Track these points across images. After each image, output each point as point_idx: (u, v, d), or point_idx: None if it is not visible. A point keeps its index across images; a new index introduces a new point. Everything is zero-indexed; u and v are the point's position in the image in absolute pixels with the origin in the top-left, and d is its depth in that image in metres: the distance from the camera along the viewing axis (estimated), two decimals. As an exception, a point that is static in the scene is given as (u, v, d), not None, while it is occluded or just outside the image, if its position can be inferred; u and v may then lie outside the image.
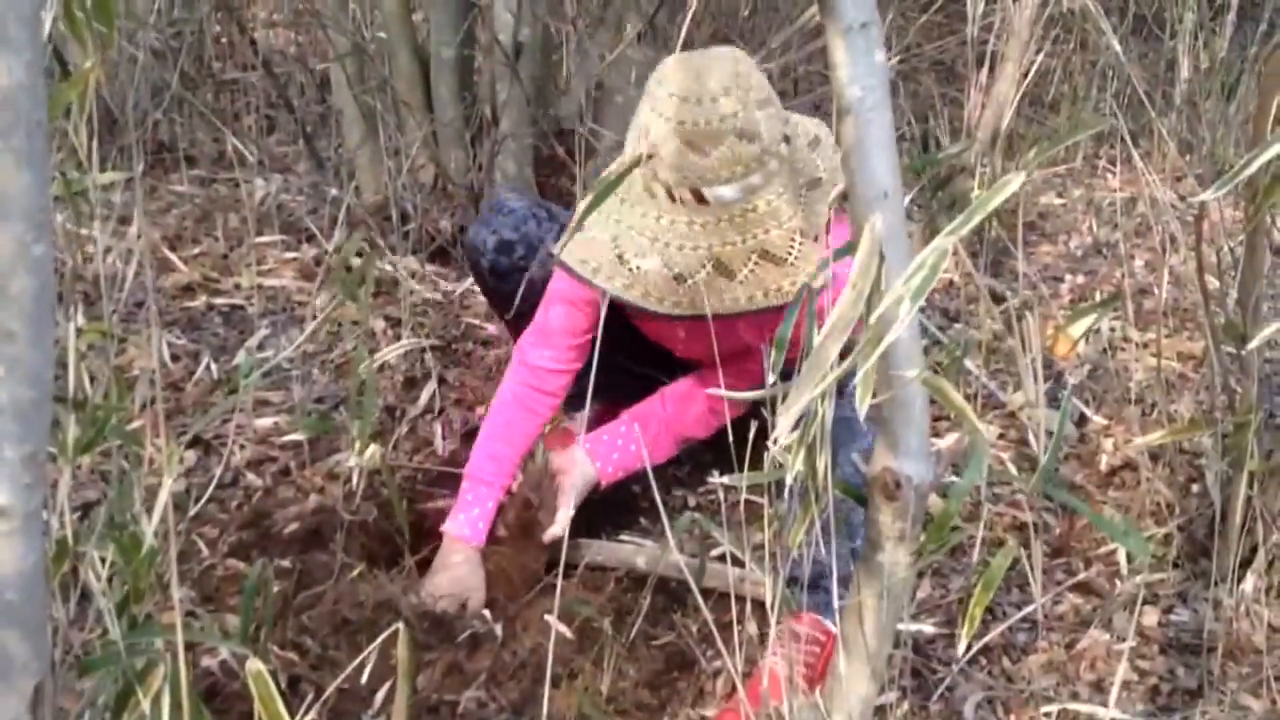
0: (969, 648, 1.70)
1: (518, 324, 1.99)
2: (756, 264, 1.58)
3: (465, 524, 1.86)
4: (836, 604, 1.66)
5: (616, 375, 2.15)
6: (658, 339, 1.97)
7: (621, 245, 1.60)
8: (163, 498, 1.09)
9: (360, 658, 1.35)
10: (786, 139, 1.61)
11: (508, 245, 2.00)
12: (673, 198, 1.57)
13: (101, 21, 1.24)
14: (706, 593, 1.58)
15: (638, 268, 1.59)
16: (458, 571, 1.82)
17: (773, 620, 1.60)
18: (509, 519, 1.86)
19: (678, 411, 1.90)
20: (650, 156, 1.58)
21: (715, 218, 1.57)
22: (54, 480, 1.18)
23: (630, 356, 2.05)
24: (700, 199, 1.56)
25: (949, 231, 1.07)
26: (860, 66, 1.19)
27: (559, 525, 1.82)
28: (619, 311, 1.89)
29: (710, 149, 1.53)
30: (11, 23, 0.86)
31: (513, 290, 1.98)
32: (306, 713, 1.47)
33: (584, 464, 1.85)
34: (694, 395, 1.90)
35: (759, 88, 1.57)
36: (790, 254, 1.59)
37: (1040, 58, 3.12)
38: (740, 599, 1.61)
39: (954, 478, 2.18)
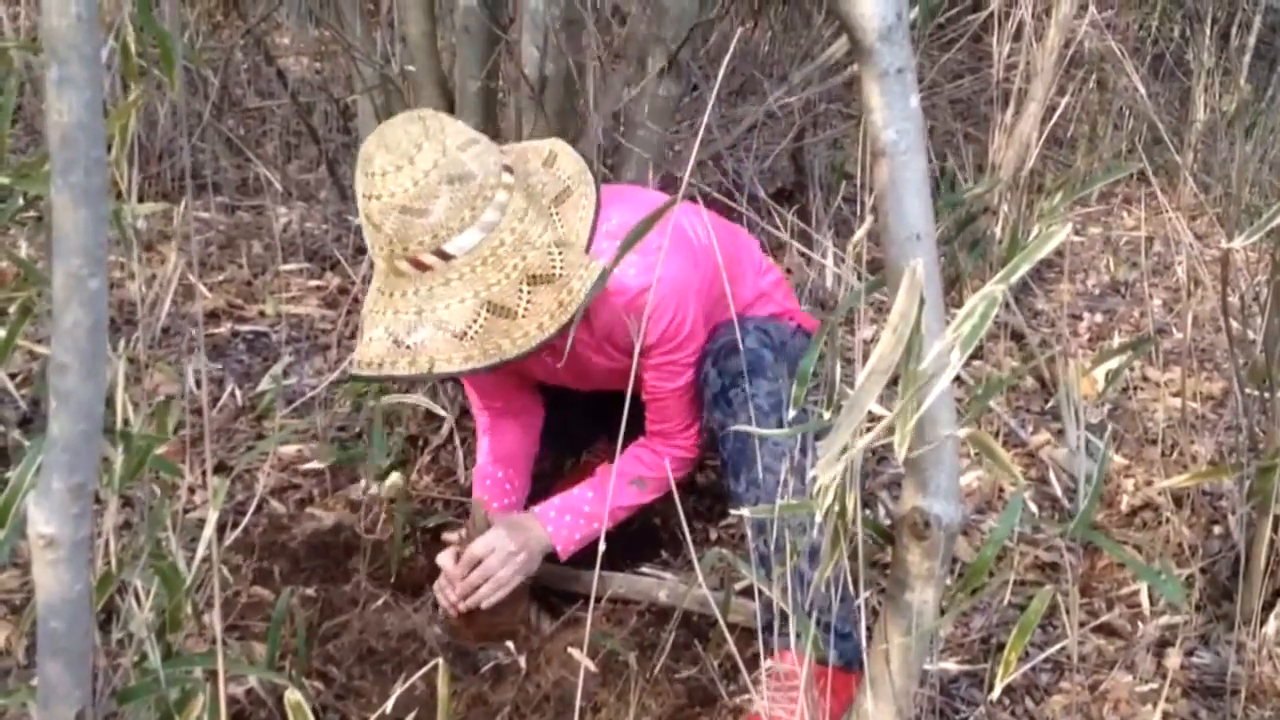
0: (1003, 689, 1.71)
1: None
2: (529, 290, 1.56)
3: (475, 492, 1.94)
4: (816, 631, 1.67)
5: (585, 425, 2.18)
6: (567, 387, 2.01)
7: (394, 331, 1.57)
8: (208, 531, 1.10)
9: (395, 691, 1.35)
10: (508, 169, 1.59)
11: None
12: (420, 265, 1.55)
13: (162, 64, 1.26)
14: (731, 626, 1.59)
15: (415, 342, 1.56)
16: (476, 550, 1.80)
17: (762, 667, 1.61)
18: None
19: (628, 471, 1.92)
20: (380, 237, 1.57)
21: (469, 265, 1.55)
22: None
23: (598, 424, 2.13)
24: (445, 256, 1.55)
25: (999, 279, 1.08)
26: (896, 110, 1.20)
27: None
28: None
29: (429, 206, 1.52)
30: (75, 62, 0.88)
31: None
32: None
33: (538, 543, 1.82)
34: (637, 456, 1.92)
35: (456, 133, 1.55)
36: (555, 269, 1.57)
37: (1060, 98, 3.14)
38: (765, 630, 1.62)
39: (975, 515, 2.19)
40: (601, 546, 1.44)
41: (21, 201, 1.45)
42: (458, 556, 1.79)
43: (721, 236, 1.85)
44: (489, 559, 1.76)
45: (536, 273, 1.57)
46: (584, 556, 1.90)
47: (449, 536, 1.85)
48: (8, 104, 1.37)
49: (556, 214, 1.63)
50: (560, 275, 1.57)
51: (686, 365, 1.81)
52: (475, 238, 1.54)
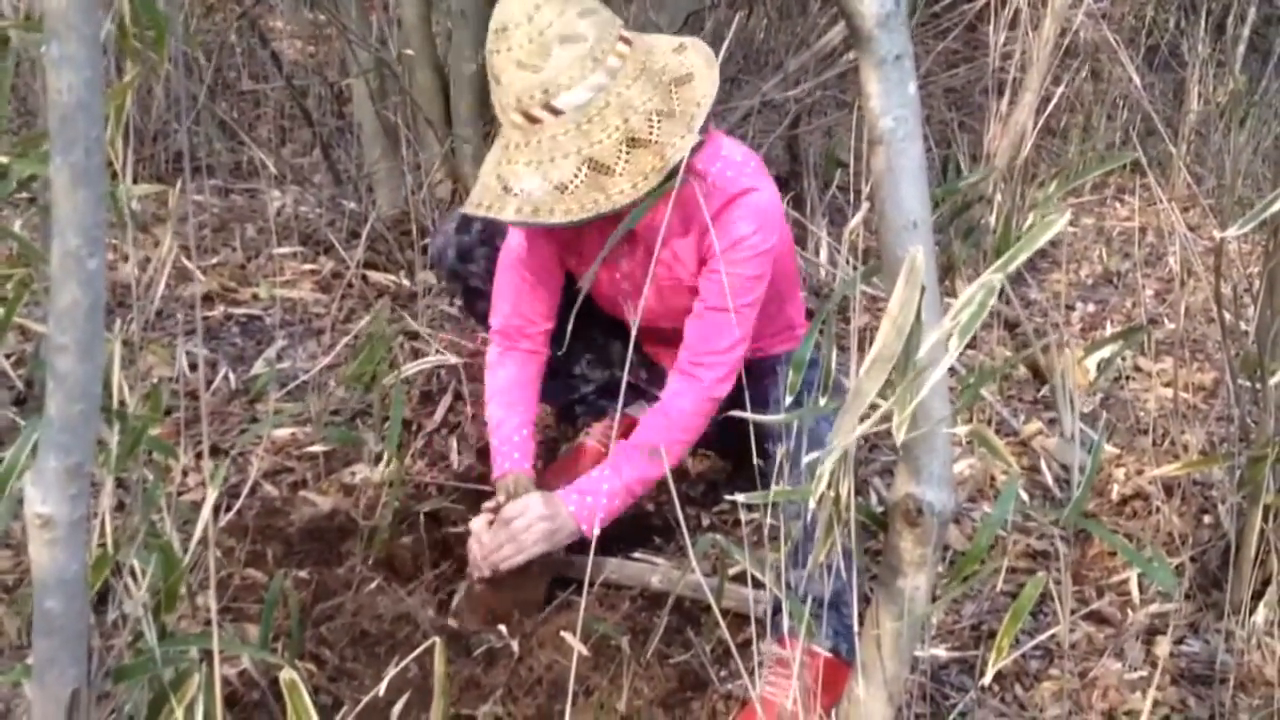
0: (993, 675, 1.72)
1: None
2: (628, 152, 1.65)
3: (501, 462, 1.92)
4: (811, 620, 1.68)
5: (588, 384, 2.22)
6: (611, 308, 2.03)
7: (504, 177, 1.68)
8: (206, 511, 1.11)
9: (387, 672, 1.35)
10: (628, 40, 1.68)
11: (465, 223, 2.09)
12: (532, 119, 1.65)
13: (154, 44, 1.26)
14: (722, 612, 1.59)
15: (521, 190, 1.66)
16: (510, 510, 1.83)
17: (756, 651, 1.62)
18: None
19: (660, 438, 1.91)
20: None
21: (575, 123, 1.64)
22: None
23: (606, 363, 2.18)
24: (554, 111, 1.64)
25: (997, 268, 1.09)
26: (893, 98, 1.21)
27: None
28: (590, 320, 2.00)
29: (541, 63, 1.62)
30: (74, 40, 0.88)
31: (478, 272, 2.06)
32: (327, 724, 1.49)
33: (567, 520, 1.82)
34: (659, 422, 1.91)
35: (578, 1, 1.65)
36: (653, 134, 1.66)
37: (1057, 87, 3.14)
38: (759, 620, 1.63)
39: (967, 503, 2.20)
40: (595, 531, 1.45)
41: (15, 183, 1.44)
42: (491, 522, 1.82)
43: (789, 241, 2.00)
44: (517, 521, 1.79)
45: (636, 135, 1.65)
46: (578, 542, 1.91)
47: (489, 505, 1.87)
48: (5, 80, 1.36)
49: (675, 93, 1.70)
50: (656, 141, 1.65)
51: (742, 288, 1.81)
52: (583, 96, 1.64)
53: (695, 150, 1.68)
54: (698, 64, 1.73)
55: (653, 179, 1.64)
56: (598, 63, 1.64)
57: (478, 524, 1.84)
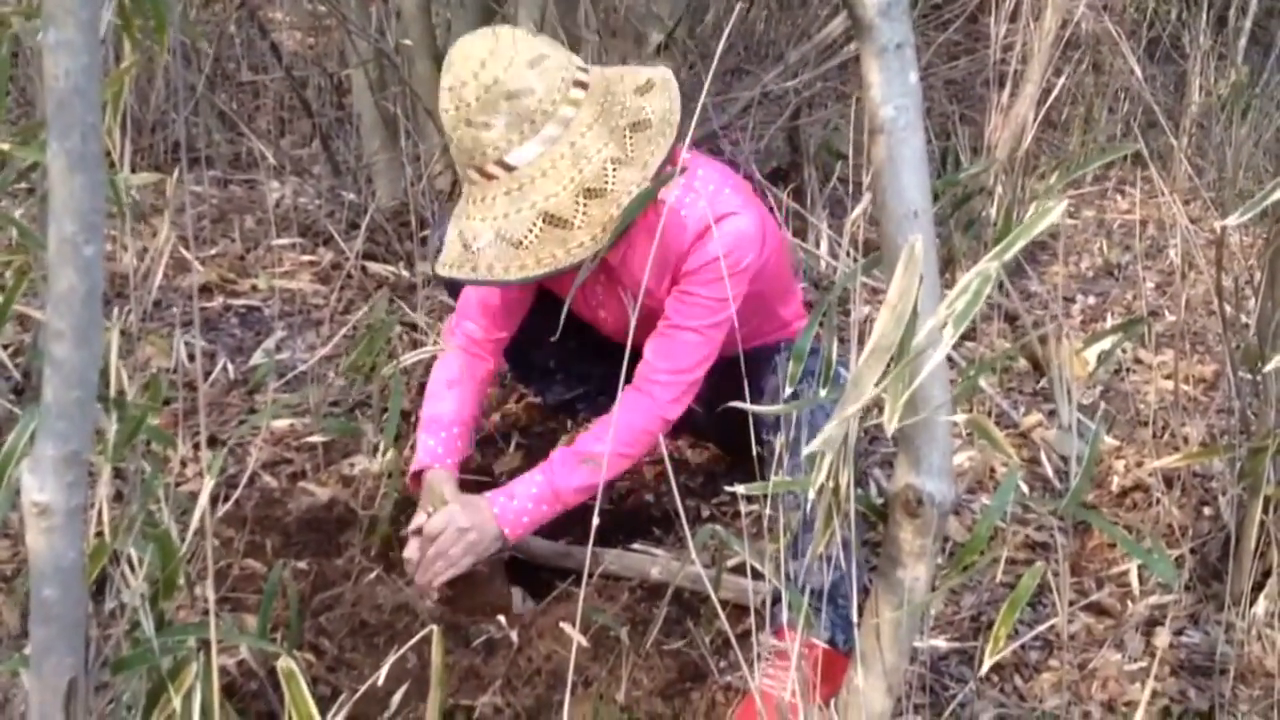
0: (992, 666, 1.71)
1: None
2: (584, 204, 1.63)
3: (422, 458, 1.88)
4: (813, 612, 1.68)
5: (587, 381, 2.21)
6: (591, 319, 2.03)
7: (464, 236, 1.68)
8: (203, 500, 1.10)
9: (386, 662, 1.35)
10: (581, 84, 1.65)
11: None
12: (486, 175, 1.64)
13: (155, 33, 1.25)
14: (722, 603, 1.59)
15: (479, 249, 1.65)
16: (430, 528, 1.79)
17: (755, 642, 1.62)
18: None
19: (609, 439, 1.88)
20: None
21: (529, 177, 1.62)
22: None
23: (586, 359, 2.17)
24: (507, 167, 1.63)
25: (992, 257, 1.08)
26: (894, 87, 1.20)
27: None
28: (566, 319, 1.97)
29: (490, 120, 1.60)
30: (72, 26, 0.87)
31: None
32: (326, 715, 1.48)
33: (489, 525, 1.78)
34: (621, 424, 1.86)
35: (527, 49, 1.62)
36: (609, 184, 1.64)
37: (1058, 79, 3.13)
38: (758, 611, 1.62)
39: (966, 495, 2.19)
40: (595, 521, 1.44)
41: (15, 173, 1.44)
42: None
43: (781, 251, 1.96)
44: (440, 538, 1.75)
45: (591, 186, 1.63)
46: (577, 533, 1.91)
47: (411, 528, 1.81)
48: (4, 69, 1.36)
49: (631, 139, 1.67)
50: (612, 190, 1.63)
51: (708, 308, 1.79)
52: (535, 150, 1.62)
53: (667, 183, 1.67)
54: (658, 107, 1.69)
55: (610, 230, 1.62)
56: (548, 115, 1.61)
57: (410, 551, 1.79)
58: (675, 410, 1.84)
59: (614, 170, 1.64)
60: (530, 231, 1.62)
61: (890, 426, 1.15)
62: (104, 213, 0.91)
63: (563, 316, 1.63)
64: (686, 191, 1.77)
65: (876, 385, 1.12)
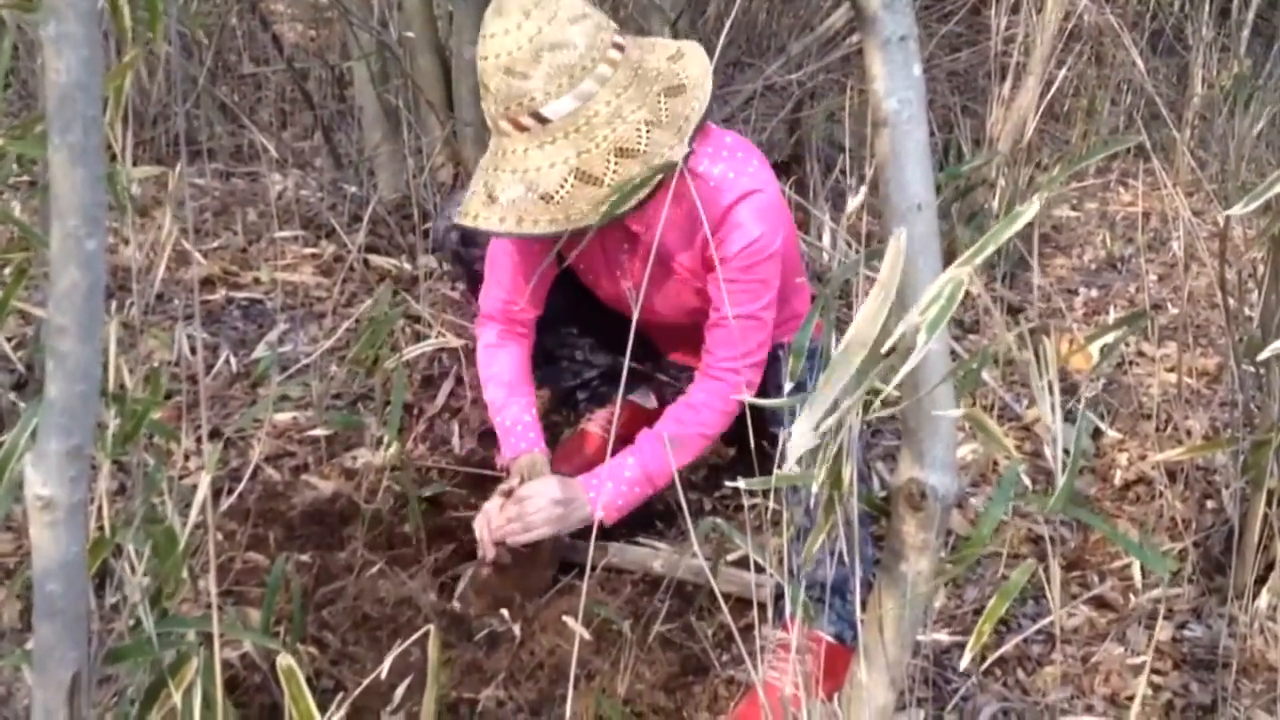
0: (980, 659, 1.71)
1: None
2: (616, 162, 1.63)
3: (516, 443, 1.90)
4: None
5: (591, 368, 2.21)
6: (615, 303, 2.02)
7: (490, 186, 1.67)
8: (201, 494, 1.10)
9: (387, 657, 1.35)
10: (620, 47, 1.66)
11: None
12: (519, 127, 1.63)
13: (149, 24, 1.25)
14: (725, 596, 1.59)
15: (507, 200, 1.65)
16: (525, 490, 1.82)
17: (758, 636, 1.62)
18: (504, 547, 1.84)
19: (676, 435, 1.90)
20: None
21: (563, 131, 1.62)
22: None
23: (609, 349, 2.17)
24: (541, 119, 1.62)
25: (963, 261, 1.08)
26: (898, 79, 1.20)
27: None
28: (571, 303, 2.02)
29: (530, 70, 1.60)
30: (72, 19, 0.87)
31: (482, 257, 2.03)
32: (328, 708, 1.48)
33: (582, 504, 1.82)
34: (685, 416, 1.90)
35: (569, 6, 1.63)
36: (641, 145, 1.64)
37: (1060, 71, 3.13)
38: (761, 604, 1.62)
39: (969, 488, 2.19)
40: (597, 517, 1.45)
41: (16, 166, 1.44)
42: (503, 504, 1.82)
43: (793, 239, 1.96)
44: (529, 501, 1.79)
45: (624, 145, 1.63)
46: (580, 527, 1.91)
47: (504, 487, 1.85)
48: (3, 61, 1.36)
49: (665, 104, 1.67)
50: (645, 151, 1.63)
51: (758, 291, 1.80)
52: (570, 105, 1.61)
53: (693, 151, 1.67)
54: (692, 73, 1.70)
55: (641, 190, 1.61)
56: (587, 71, 1.61)
57: (492, 504, 1.83)
58: (748, 391, 1.86)
59: (647, 132, 1.64)
60: (562, 186, 1.62)
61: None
62: (106, 207, 0.91)
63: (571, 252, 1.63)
64: (715, 160, 1.78)
65: (855, 376, 1.12)
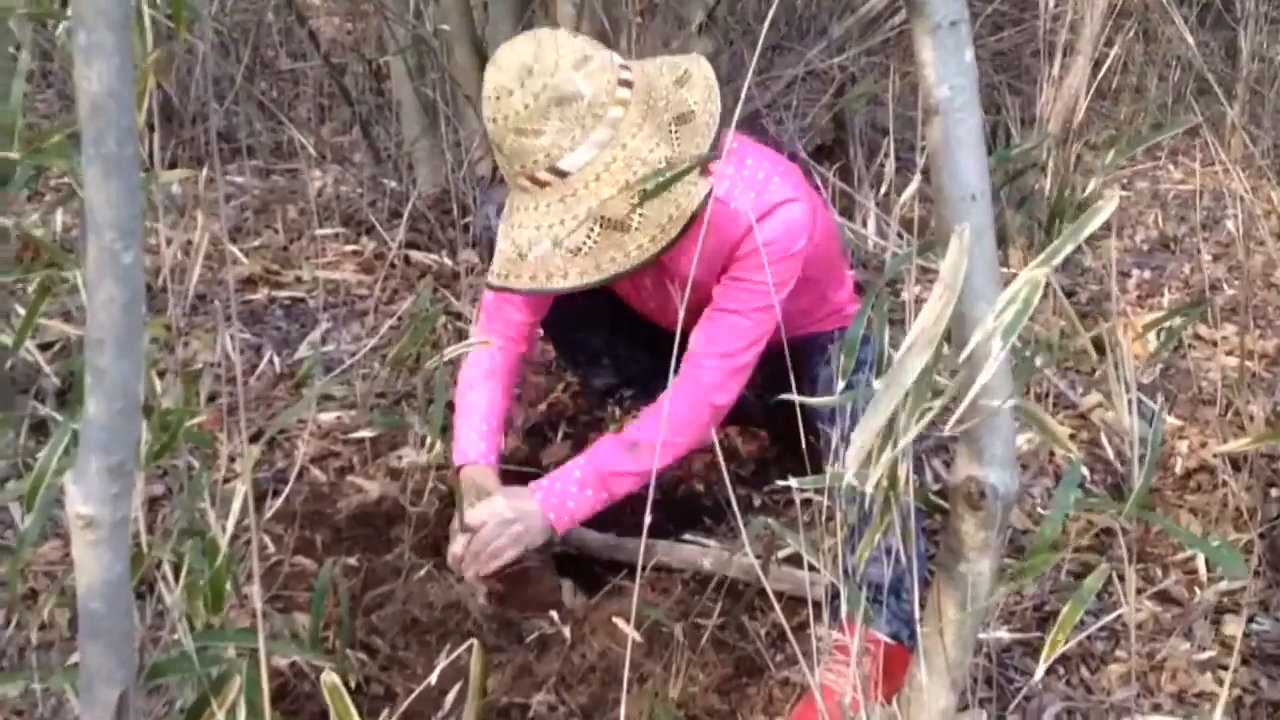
0: (1057, 657, 1.67)
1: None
2: (639, 206, 1.59)
3: (465, 452, 1.85)
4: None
5: (635, 366, 2.17)
6: (642, 310, 1.99)
7: (518, 244, 1.62)
8: (237, 504, 1.08)
9: (438, 660, 1.33)
10: (626, 84, 1.61)
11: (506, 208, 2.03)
12: (539, 183, 1.59)
13: (174, 21, 1.22)
14: (777, 595, 1.56)
15: (536, 257, 1.61)
16: (472, 519, 1.76)
17: (813, 636, 1.58)
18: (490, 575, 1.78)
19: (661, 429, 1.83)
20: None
21: (583, 182, 1.58)
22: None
23: (635, 344, 2.13)
24: (560, 173, 1.58)
25: (1041, 261, 1.04)
26: (949, 65, 1.15)
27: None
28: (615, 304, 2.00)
29: (541, 127, 1.56)
30: (103, 27, 0.85)
31: None
32: (379, 714, 1.47)
33: (534, 515, 1.75)
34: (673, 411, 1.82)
35: (570, 51, 1.58)
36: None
37: (1109, 49, 3.06)
38: (815, 604, 1.59)
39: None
40: (648, 518, 1.41)
41: (39, 172, 1.42)
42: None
43: (831, 235, 1.93)
44: (484, 529, 1.72)
45: (646, 187, 1.58)
46: (628, 525, 1.88)
47: (454, 525, 1.78)
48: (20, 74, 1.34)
49: (676, 133, 1.63)
50: (670, 190, 1.59)
51: (756, 292, 1.76)
52: (588, 155, 1.58)
53: (712, 174, 1.64)
54: (699, 96, 1.65)
55: (670, 230, 1.58)
56: (599, 118, 1.57)
57: (456, 546, 1.75)
58: (723, 397, 1.80)
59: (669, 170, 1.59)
60: (588, 237, 1.58)
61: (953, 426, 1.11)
62: (142, 219, 0.89)
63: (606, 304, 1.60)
64: (735, 182, 1.73)
65: (917, 380, 1.08)
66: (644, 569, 1.84)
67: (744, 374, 1.80)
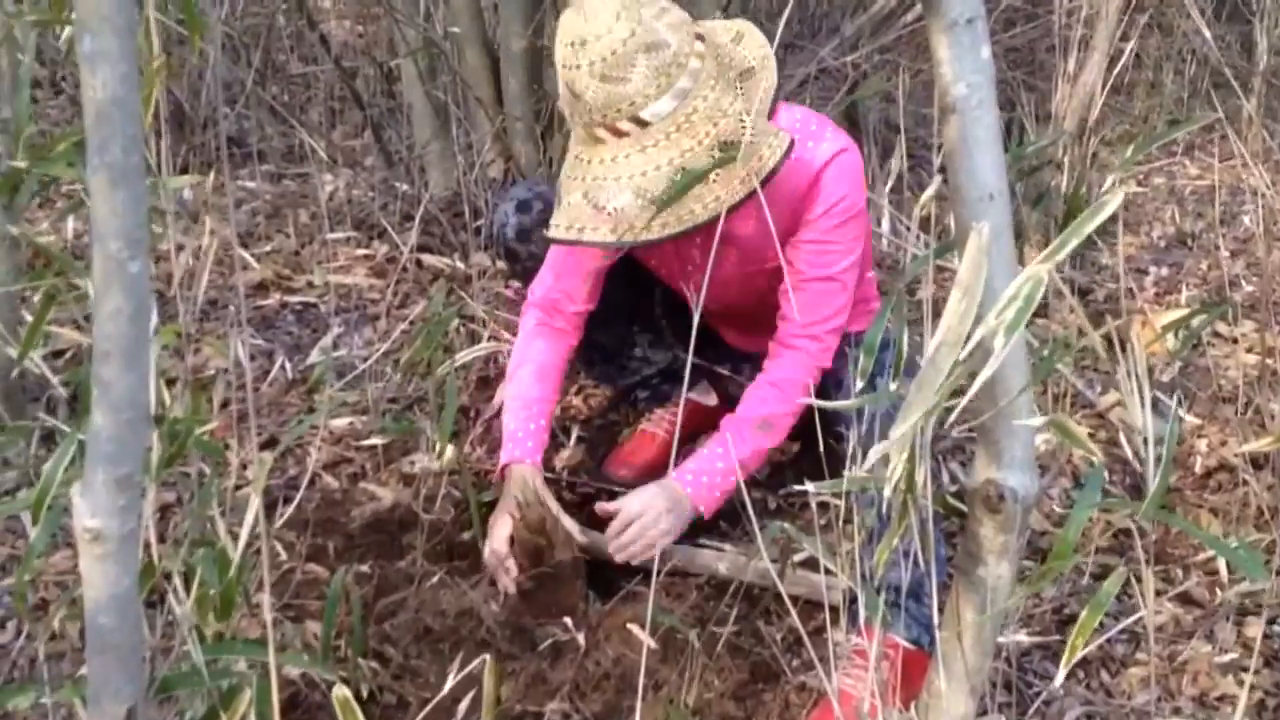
0: (1077, 661, 1.65)
1: None
2: (719, 158, 1.59)
3: (513, 452, 1.84)
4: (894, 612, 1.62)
5: (650, 368, 2.15)
6: (680, 290, 1.98)
7: (593, 197, 1.61)
8: (249, 516, 1.07)
9: (451, 669, 1.32)
10: (700, 37, 1.62)
11: (525, 204, 2.03)
12: (618, 133, 1.59)
13: (188, 28, 1.22)
14: (793, 599, 1.54)
15: (615, 209, 1.60)
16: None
17: (830, 641, 1.57)
18: (525, 569, 1.77)
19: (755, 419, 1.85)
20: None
21: (664, 133, 1.58)
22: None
23: (653, 346, 2.13)
24: (641, 123, 1.58)
25: (1044, 258, 1.03)
26: (966, 63, 1.14)
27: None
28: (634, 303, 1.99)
29: (626, 74, 1.55)
30: (108, 33, 0.83)
31: (537, 254, 1.98)
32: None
33: (685, 505, 1.77)
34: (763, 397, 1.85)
35: (649, 1, 1.58)
36: (743, 135, 1.60)
37: (1123, 44, 3.03)
38: (832, 608, 1.57)
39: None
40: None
41: (48, 181, 1.41)
42: (512, 540, 1.76)
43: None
44: (644, 517, 1.74)
45: (728, 139, 1.59)
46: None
47: (513, 510, 1.78)
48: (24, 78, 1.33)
49: (741, 88, 1.64)
50: (749, 143, 1.59)
51: (841, 252, 1.77)
52: (670, 105, 1.57)
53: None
54: (757, 54, 1.66)
55: (749, 182, 1.58)
56: (681, 68, 1.57)
57: (501, 533, 1.77)
58: (828, 359, 1.82)
59: (750, 124, 1.60)
60: (671, 188, 1.58)
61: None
62: (148, 228, 0.88)
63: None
64: (792, 132, 1.72)
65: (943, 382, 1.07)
66: (659, 574, 1.83)
67: (840, 333, 1.82)
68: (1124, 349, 1.31)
